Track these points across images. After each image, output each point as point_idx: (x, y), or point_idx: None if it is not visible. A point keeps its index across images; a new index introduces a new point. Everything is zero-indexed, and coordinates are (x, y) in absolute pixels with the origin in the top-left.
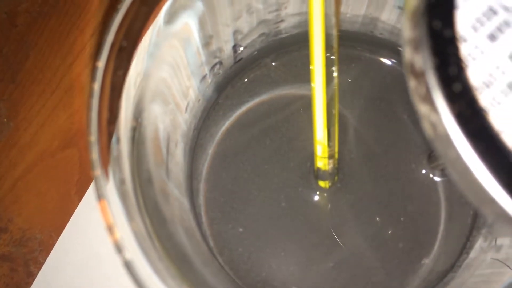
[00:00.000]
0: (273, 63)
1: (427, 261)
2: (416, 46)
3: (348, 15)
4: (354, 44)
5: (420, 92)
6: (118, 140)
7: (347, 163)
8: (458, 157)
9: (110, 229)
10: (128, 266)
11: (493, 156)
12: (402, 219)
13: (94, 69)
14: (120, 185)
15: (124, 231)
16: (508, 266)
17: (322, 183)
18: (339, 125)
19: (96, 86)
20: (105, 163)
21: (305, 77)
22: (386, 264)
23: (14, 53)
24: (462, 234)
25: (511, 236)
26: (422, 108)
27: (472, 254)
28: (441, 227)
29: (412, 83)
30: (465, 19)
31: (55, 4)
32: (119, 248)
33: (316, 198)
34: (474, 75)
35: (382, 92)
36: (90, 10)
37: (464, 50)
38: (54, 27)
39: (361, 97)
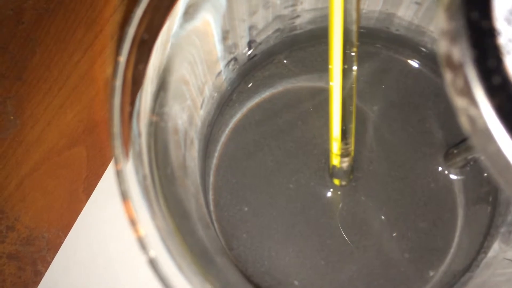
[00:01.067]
0: (286, 60)
1: (443, 262)
2: (453, 38)
3: (364, 11)
4: (369, 41)
5: (458, 85)
6: (139, 135)
7: (363, 162)
8: (499, 152)
9: (133, 225)
10: (153, 263)
11: None
12: (418, 219)
13: (115, 63)
14: (143, 180)
15: (149, 229)
16: None
17: (336, 181)
18: (355, 123)
19: (118, 81)
20: (128, 158)
21: (319, 74)
22: (398, 265)
23: (21, 50)
24: (479, 233)
25: None
26: (460, 102)
27: (490, 253)
28: (458, 227)
29: (448, 76)
30: (498, 12)
31: (61, 1)
32: (143, 245)
33: (329, 195)
34: (510, 69)
35: (399, 89)
36: (97, 7)
37: (499, 43)
38: (61, 24)
39: (377, 95)
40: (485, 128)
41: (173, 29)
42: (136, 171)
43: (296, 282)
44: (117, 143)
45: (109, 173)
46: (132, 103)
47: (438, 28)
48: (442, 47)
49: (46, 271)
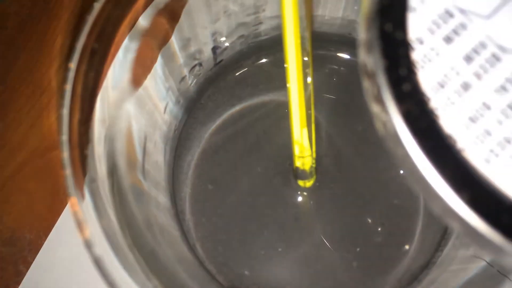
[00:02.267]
0: (254, 64)
1: (405, 259)
2: (368, 48)
3: (326, 18)
4: (332, 46)
5: (373, 93)
6: (90, 140)
7: (325, 162)
8: (406, 155)
9: (79, 225)
10: (97, 262)
11: (440, 154)
12: (380, 217)
13: (66, 70)
14: (90, 183)
15: (95, 229)
16: (485, 260)
17: (301, 182)
18: (316, 125)
19: (68, 87)
20: (75, 162)
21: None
22: (363, 262)
23: (4, 55)
24: (438, 231)
25: (460, 231)
26: (375, 108)
27: (445, 251)
28: (419, 224)
29: (365, 83)
30: (421, 22)
31: (45, 7)
32: (88, 244)
33: (295, 196)
34: (429, 76)
35: (360, 92)
36: (79, 13)
37: (420, 52)
38: (44, 29)
39: (339, 98)
40: (394, 132)
41: (130, 38)
42: (83, 175)
43: (246, 272)
44: (65, 148)
45: None
46: (83, 109)
47: (358, 38)
48: (360, 56)
49: (27, 271)
